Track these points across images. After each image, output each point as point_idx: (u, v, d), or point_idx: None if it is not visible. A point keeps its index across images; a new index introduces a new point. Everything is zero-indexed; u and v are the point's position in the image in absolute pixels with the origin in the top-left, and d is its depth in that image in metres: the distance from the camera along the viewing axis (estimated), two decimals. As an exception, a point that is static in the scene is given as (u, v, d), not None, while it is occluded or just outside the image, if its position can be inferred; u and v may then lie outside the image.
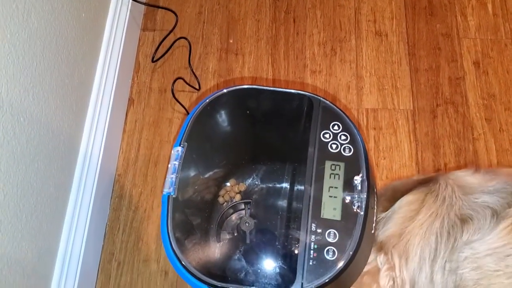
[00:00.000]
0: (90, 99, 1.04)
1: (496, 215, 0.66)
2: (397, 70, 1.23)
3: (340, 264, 0.59)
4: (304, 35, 1.27)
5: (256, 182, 0.85)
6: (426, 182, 0.74)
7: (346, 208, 0.62)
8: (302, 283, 0.58)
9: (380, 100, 1.19)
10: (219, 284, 0.58)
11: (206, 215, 0.80)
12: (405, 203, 0.71)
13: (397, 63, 1.23)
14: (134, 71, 1.23)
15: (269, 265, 0.63)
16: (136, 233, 1.07)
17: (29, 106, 0.79)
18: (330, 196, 0.63)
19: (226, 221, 0.83)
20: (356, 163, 0.65)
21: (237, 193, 0.84)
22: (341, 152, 0.66)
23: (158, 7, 1.29)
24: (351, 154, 0.66)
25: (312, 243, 0.60)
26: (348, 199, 0.63)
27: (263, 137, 0.79)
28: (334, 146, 0.66)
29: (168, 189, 0.63)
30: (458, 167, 1.12)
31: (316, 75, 1.22)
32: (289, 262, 0.61)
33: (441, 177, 0.72)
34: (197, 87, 1.20)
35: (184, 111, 1.16)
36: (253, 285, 0.58)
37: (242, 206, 0.84)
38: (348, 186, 0.64)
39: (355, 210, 0.62)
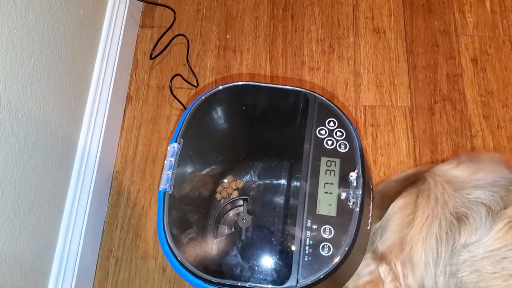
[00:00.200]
0: (88, 96, 1.04)
1: (491, 212, 0.66)
2: (395, 67, 1.23)
3: (336, 260, 0.59)
4: (302, 32, 1.27)
5: (254, 179, 0.85)
6: (410, 182, 0.73)
7: (342, 204, 0.63)
8: (297, 279, 0.58)
9: (378, 97, 1.19)
10: (214, 279, 0.58)
11: (203, 211, 0.81)
12: (398, 208, 0.70)
13: (395, 60, 1.23)
14: (132, 68, 1.23)
15: (265, 261, 0.63)
16: (134, 230, 1.07)
17: (27, 103, 0.79)
18: (326, 192, 0.63)
19: (224, 217, 0.83)
20: (352, 159, 0.65)
21: (234, 189, 0.84)
22: (336, 149, 0.66)
23: (156, 4, 1.29)
24: (347, 151, 0.66)
25: (308, 239, 0.60)
26: (343, 195, 0.63)
27: (260, 134, 0.79)
28: (329, 142, 0.67)
29: (164, 185, 0.63)
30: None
31: (314, 72, 1.22)
32: (285, 258, 0.61)
33: (427, 175, 0.72)
34: (195, 84, 1.20)
35: (182, 108, 1.16)
36: (249, 281, 0.59)
37: (240, 202, 0.84)
38: (344, 182, 0.64)
39: (350, 206, 0.62)
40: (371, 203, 0.66)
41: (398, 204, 0.70)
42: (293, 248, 0.60)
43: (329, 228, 0.61)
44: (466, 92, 1.19)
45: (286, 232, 0.64)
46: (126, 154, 1.14)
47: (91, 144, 1.01)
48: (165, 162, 0.65)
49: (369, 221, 0.65)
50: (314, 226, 0.61)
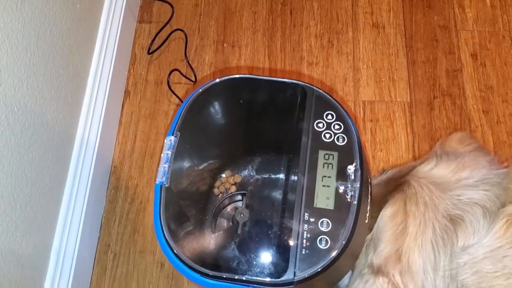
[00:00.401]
0: (86, 91, 1.03)
1: (488, 213, 0.65)
2: (394, 62, 1.22)
3: (333, 253, 0.59)
4: (301, 27, 1.26)
5: (252, 174, 0.85)
6: (394, 186, 0.71)
7: (340, 198, 0.62)
8: (294, 272, 0.58)
9: (377, 92, 1.19)
10: (211, 272, 0.57)
11: (201, 206, 0.80)
12: (388, 218, 0.68)
13: (394, 55, 1.23)
14: (130, 63, 1.23)
15: (262, 254, 0.63)
16: (132, 224, 1.06)
17: (23, 96, 0.78)
18: (324, 186, 0.63)
19: (221, 212, 0.82)
20: (350, 152, 0.64)
21: (232, 184, 0.84)
22: (334, 142, 0.66)
23: (155, -1, 1.29)
24: (345, 144, 0.65)
25: (305, 232, 0.60)
26: (341, 188, 0.63)
27: (258, 128, 0.79)
28: (327, 135, 0.66)
29: (160, 178, 0.63)
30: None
31: (313, 67, 1.22)
32: (282, 251, 0.60)
33: (410, 178, 0.70)
34: (193, 79, 1.19)
35: (180, 103, 1.16)
36: (246, 274, 0.58)
37: (238, 197, 0.84)
38: (342, 175, 0.63)
39: (348, 199, 0.62)
40: (369, 197, 0.66)
41: (387, 214, 0.69)
42: (291, 241, 0.60)
43: (327, 221, 0.60)
44: (466, 87, 1.19)
45: (284, 225, 0.64)
46: (124, 149, 1.14)
47: (88, 139, 1.01)
48: (162, 155, 0.65)
49: (367, 214, 0.65)
50: (312, 219, 0.61)
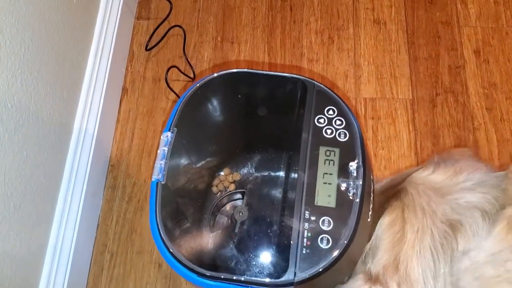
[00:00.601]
0: (82, 87, 1.01)
1: (487, 215, 0.63)
2: (395, 59, 1.20)
3: (335, 253, 0.57)
4: (301, 23, 1.25)
5: (251, 171, 0.83)
6: (391, 194, 0.70)
7: (341, 195, 0.60)
8: (295, 272, 0.56)
9: (378, 89, 1.17)
10: (208, 272, 0.56)
11: (199, 204, 0.79)
12: (386, 226, 0.67)
13: (396, 52, 1.21)
14: (128, 60, 1.21)
15: (261, 254, 0.61)
16: (129, 224, 1.05)
17: (17, 92, 0.76)
18: (325, 183, 0.61)
19: (220, 211, 0.81)
20: (352, 148, 0.63)
21: (231, 182, 0.82)
22: (336, 138, 0.64)
23: (153, -5, 1.27)
24: (347, 140, 0.63)
25: (306, 231, 0.58)
26: (343, 186, 0.61)
27: (257, 124, 0.77)
28: (329, 131, 0.64)
29: (157, 175, 0.61)
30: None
31: (313, 64, 1.20)
32: (282, 251, 0.59)
33: (407, 185, 0.68)
34: (191, 76, 1.17)
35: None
36: (244, 274, 0.56)
37: (237, 195, 0.82)
38: (343, 172, 0.61)
39: (350, 197, 0.60)
40: (372, 195, 0.64)
41: (385, 222, 0.67)
42: (291, 240, 0.58)
43: (328, 220, 0.59)
44: (469, 84, 1.17)
45: (284, 224, 0.62)
46: (122, 147, 1.12)
47: (85, 136, 0.99)
48: (158, 151, 0.63)
49: (370, 213, 0.63)
50: (313, 218, 0.59)
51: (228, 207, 0.81)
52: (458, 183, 0.68)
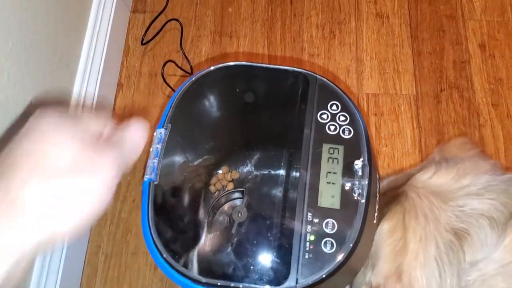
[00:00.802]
0: (75, 83, 0.98)
1: (496, 224, 0.59)
2: (399, 53, 1.17)
3: (339, 257, 0.53)
4: (302, 17, 1.21)
5: (250, 170, 0.80)
6: (390, 198, 0.66)
7: (346, 196, 0.57)
8: (297, 279, 0.52)
9: (381, 84, 1.14)
10: (204, 279, 0.52)
11: (195, 205, 0.75)
12: (386, 233, 0.63)
13: (399, 46, 1.18)
14: (123, 55, 1.17)
15: (261, 258, 0.58)
16: (124, 224, 1.01)
17: (3, 88, 0.73)
18: (328, 183, 0.57)
19: (218, 211, 0.77)
20: (357, 146, 0.59)
21: (229, 181, 0.79)
22: (340, 134, 0.60)
23: (149, -13, 1.23)
24: (351, 136, 0.60)
25: (308, 234, 0.54)
26: (348, 185, 0.57)
27: (256, 120, 0.73)
28: (332, 127, 0.60)
29: (149, 175, 0.58)
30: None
31: (314, 59, 1.16)
32: (283, 256, 0.55)
33: (408, 189, 0.64)
34: (189, 71, 1.14)
35: (175, 96, 1.11)
36: (243, 281, 0.53)
37: (235, 195, 0.78)
38: (348, 171, 0.58)
39: (355, 197, 0.56)
40: (378, 195, 0.60)
41: (384, 229, 0.63)
42: (292, 244, 0.54)
43: (332, 222, 0.55)
44: (474, 80, 1.14)
45: (285, 227, 0.58)
46: (116, 145, 1.08)
47: (77, 134, 0.95)
48: (151, 149, 0.59)
49: (376, 214, 0.59)
50: (316, 220, 0.55)
51: (226, 207, 0.78)
52: (462, 187, 0.64)
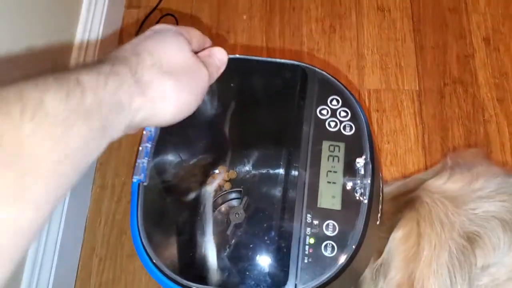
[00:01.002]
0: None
1: (508, 226, 0.58)
2: (401, 48, 1.14)
3: (341, 261, 0.51)
4: (301, 11, 1.18)
5: (248, 169, 0.77)
6: (403, 203, 0.64)
7: (347, 196, 0.53)
8: (295, 284, 0.49)
9: (383, 80, 1.11)
10: (195, 285, 0.49)
11: (190, 206, 0.72)
12: (399, 241, 0.61)
13: (401, 40, 1.15)
14: (117, 52, 1.14)
15: (258, 263, 0.55)
16: (119, 226, 0.99)
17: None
18: (329, 182, 0.54)
19: (214, 213, 0.75)
20: (358, 143, 0.56)
21: (226, 181, 0.76)
22: (340, 131, 0.57)
23: (143, -18, 1.20)
24: (353, 133, 0.57)
25: (308, 237, 0.51)
26: (349, 185, 0.54)
27: (253, 117, 0.70)
28: (332, 124, 0.57)
29: (138, 175, 0.55)
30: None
31: (314, 54, 1.13)
32: (281, 260, 0.52)
33: (422, 193, 0.63)
34: (185, 67, 1.11)
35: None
36: (238, 287, 0.50)
37: (232, 195, 0.76)
38: (349, 170, 0.55)
39: (357, 197, 0.53)
40: (381, 194, 0.57)
41: (398, 236, 0.61)
42: (291, 248, 0.51)
43: (333, 224, 0.52)
44: (478, 74, 1.11)
45: (283, 229, 0.55)
46: (111, 145, 1.03)
47: (69, 133, 0.92)
48: (140, 148, 0.56)
49: (379, 215, 0.56)
50: (315, 222, 0.52)
51: (223, 208, 0.75)
52: (474, 190, 0.62)
